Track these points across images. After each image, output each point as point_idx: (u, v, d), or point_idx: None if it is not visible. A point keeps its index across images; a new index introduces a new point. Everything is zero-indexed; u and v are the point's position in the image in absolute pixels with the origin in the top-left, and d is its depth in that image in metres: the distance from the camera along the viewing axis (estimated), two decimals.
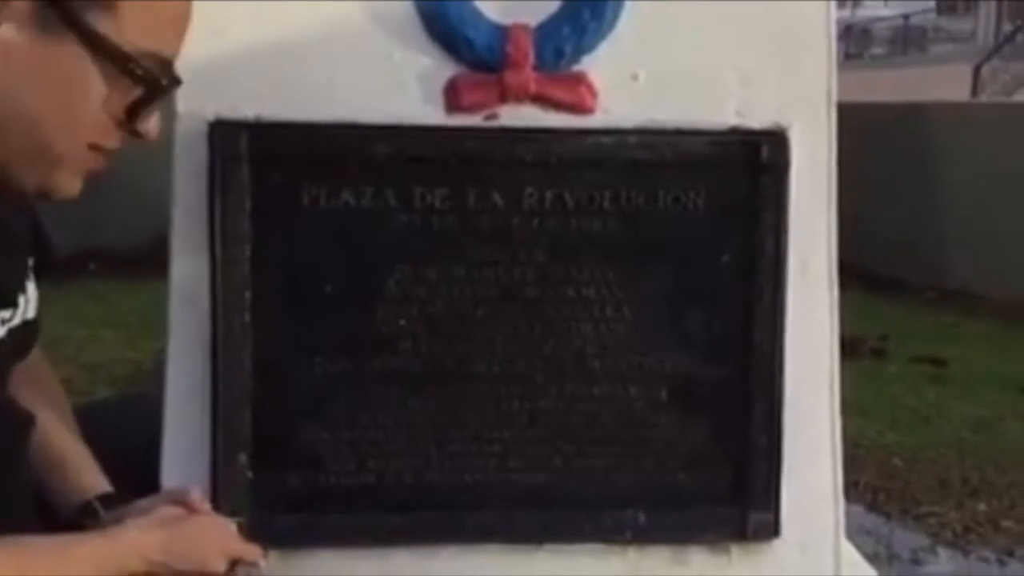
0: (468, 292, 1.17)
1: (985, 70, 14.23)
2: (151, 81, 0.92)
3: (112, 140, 0.95)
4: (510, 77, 1.15)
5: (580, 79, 1.17)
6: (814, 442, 1.23)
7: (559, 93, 1.17)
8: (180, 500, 1.08)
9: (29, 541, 0.95)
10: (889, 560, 2.09)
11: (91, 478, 1.11)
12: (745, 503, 1.22)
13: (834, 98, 1.19)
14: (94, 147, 0.94)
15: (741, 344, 1.20)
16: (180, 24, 0.96)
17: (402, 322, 1.17)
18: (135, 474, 1.14)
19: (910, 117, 5.30)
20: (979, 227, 4.80)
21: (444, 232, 1.16)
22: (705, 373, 1.20)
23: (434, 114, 1.16)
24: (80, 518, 1.07)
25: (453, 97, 1.16)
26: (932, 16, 23.52)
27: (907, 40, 20.82)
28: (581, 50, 1.16)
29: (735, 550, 1.23)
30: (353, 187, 1.15)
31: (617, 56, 1.17)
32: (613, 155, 1.17)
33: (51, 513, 1.09)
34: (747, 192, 1.18)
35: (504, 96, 1.16)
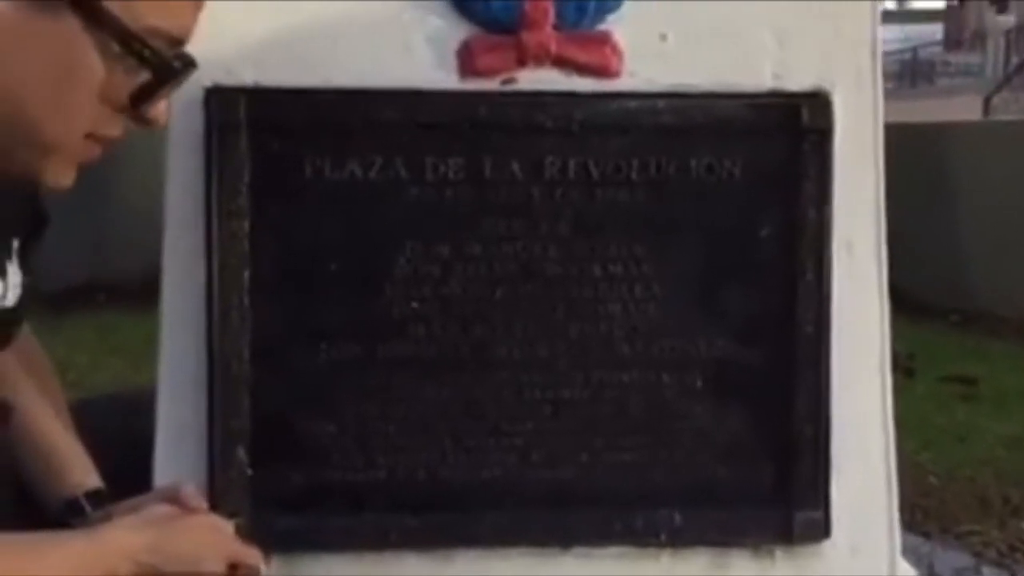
0: (485, 271, 1.08)
1: (996, 100, 14.21)
2: (160, 64, 0.82)
3: (113, 128, 0.85)
4: (528, 38, 1.07)
5: (604, 40, 1.09)
6: (865, 433, 1.13)
7: (581, 55, 1.08)
8: (173, 498, 0.99)
9: (3, 539, 0.86)
10: None
11: (80, 474, 1.03)
12: (790, 501, 1.11)
13: (879, 57, 1.11)
14: (91, 136, 0.85)
15: (782, 325, 1.10)
16: (197, 4, 0.85)
17: (414, 304, 1.08)
18: (129, 474, 1.06)
19: (930, 138, 5.23)
20: (1003, 249, 4.71)
21: (458, 205, 1.08)
22: (744, 357, 1.11)
23: (447, 79, 1.08)
24: (66, 515, 0.99)
25: (467, 60, 1.08)
26: (939, 50, 23.60)
27: (916, 73, 20.88)
28: (605, 8, 1.08)
29: (780, 553, 1.13)
30: (360, 157, 1.06)
31: (644, 14, 1.08)
32: (641, 121, 1.08)
33: (37, 509, 1.00)
34: (787, 159, 1.09)
35: (522, 59, 1.08)
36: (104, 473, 1.05)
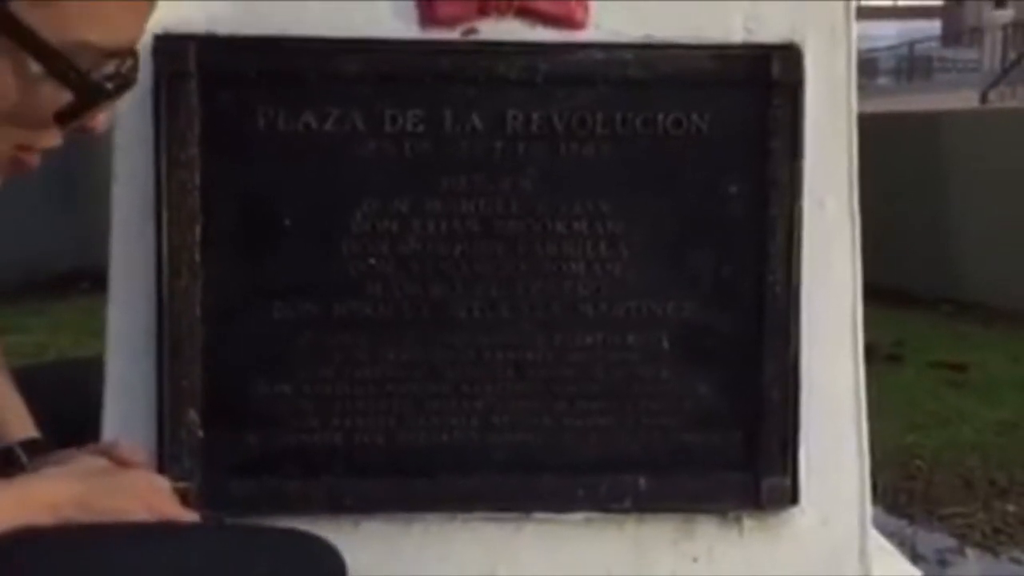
0: (444, 227, 1.05)
1: (992, 95, 14.16)
2: (85, 86, 0.74)
3: (44, 140, 0.78)
4: None
5: None
6: (835, 397, 1.10)
7: (545, 4, 1.05)
8: (109, 452, 0.95)
9: None
10: (915, 562, 1.93)
11: (16, 423, 0.99)
12: (757, 467, 1.08)
13: (853, 9, 1.07)
14: (20, 148, 0.78)
15: (752, 286, 1.07)
16: (141, 11, 0.77)
17: (371, 261, 1.05)
18: (78, 441, 1.02)
19: (925, 127, 5.19)
20: (996, 239, 4.68)
21: (417, 159, 1.04)
22: (712, 319, 1.07)
23: (406, 28, 1.05)
24: (2, 466, 0.95)
25: (427, 9, 1.05)
26: (936, 45, 23.53)
27: (913, 68, 20.80)
28: None
29: (747, 521, 1.10)
30: (315, 109, 1.03)
31: None
32: (607, 73, 1.05)
33: None
34: (756, 114, 1.05)
35: (484, 8, 1.04)
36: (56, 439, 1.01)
